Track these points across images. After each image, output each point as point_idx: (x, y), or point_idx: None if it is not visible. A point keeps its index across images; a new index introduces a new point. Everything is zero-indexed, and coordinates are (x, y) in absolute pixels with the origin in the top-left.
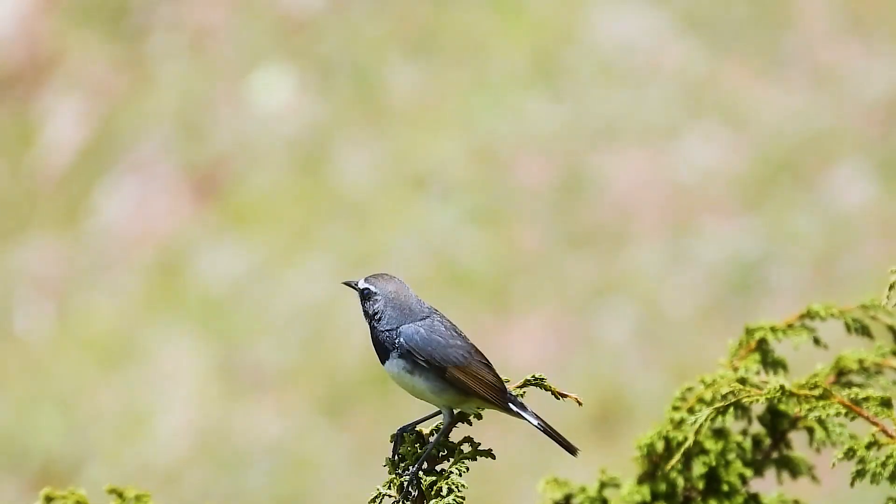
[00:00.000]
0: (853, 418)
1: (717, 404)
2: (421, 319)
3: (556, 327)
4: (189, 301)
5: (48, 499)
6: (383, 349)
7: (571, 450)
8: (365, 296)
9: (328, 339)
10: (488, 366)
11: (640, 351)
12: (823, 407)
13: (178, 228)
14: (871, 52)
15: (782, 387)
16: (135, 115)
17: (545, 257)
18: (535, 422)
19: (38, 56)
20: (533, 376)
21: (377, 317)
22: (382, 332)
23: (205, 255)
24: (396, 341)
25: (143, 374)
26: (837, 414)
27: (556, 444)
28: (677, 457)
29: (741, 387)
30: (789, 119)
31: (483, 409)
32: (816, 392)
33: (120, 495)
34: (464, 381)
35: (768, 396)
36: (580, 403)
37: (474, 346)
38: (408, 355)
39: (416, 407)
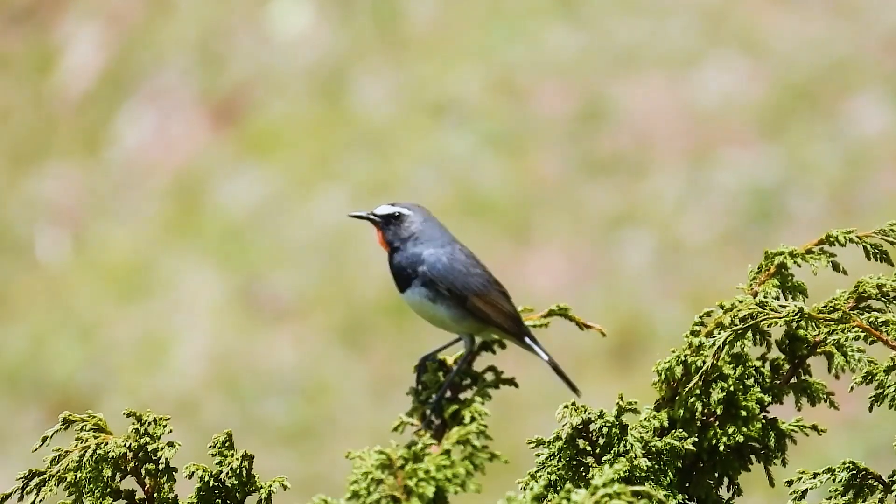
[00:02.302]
0: (872, 342)
1: (738, 326)
2: (441, 247)
3: (574, 256)
4: (207, 229)
5: (67, 422)
6: (404, 277)
7: (575, 390)
8: (396, 219)
9: (347, 267)
10: (506, 295)
11: (658, 279)
12: (842, 330)
13: (196, 156)
14: None
15: (801, 309)
16: (154, 43)
17: (564, 186)
18: (546, 357)
19: None
20: (557, 306)
21: (415, 237)
22: (404, 258)
23: (223, 183)
24: (419, 269)
25: (162, 302)
26: (857, 338)
27: (563, 381)
28: (696, 379)
29: (760, 310)
30: (807, 48)
31: (498, 339)
32: (835, 315)
33: (139, 419)
34: (483, 310)
35: (787, 319)
36: (604, 334)
37: (492, 275)
38: (430, 284)
39: (433, 337)
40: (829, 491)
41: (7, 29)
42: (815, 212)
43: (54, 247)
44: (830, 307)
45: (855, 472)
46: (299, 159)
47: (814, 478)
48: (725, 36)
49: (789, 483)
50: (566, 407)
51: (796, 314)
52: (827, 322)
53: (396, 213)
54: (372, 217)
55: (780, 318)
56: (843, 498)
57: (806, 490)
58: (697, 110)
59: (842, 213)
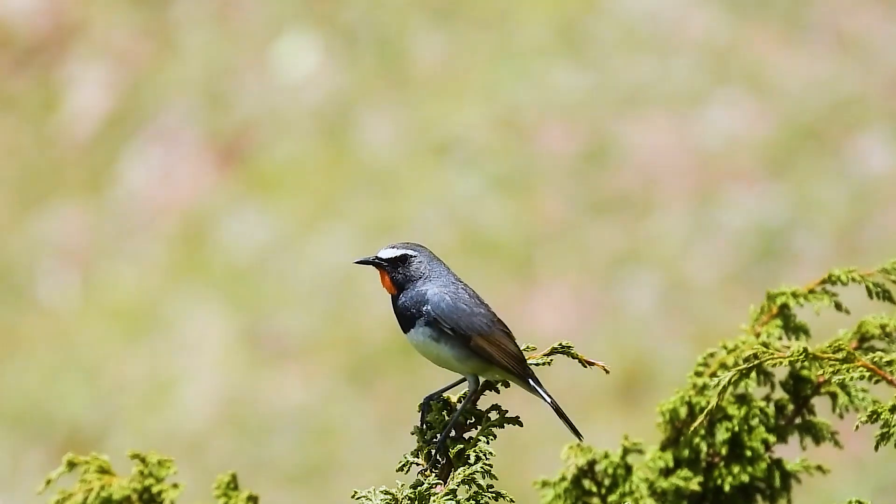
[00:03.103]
0: (876, 382)
1: (741, 366)
2: (445, 286)
3: (580, 295)
4: (213, 269)
5: (71, 464)
6: (408, 318)
7: (577, 434)
8: (403, 261)
9: (352, 307)
10: (509, 335)
11: (664, 318)
12: (847, 370)
13: (202, 196)
14: (895, 19)
15: (805, 349)
16: (159, 83)
17: (569, 225)
18: (549, 400)
19: (63, 24)
20: (560, 344)
21: (421, 277)
22: (408, 299)
23: (229, 223)
24: (423, 308)
25: (168, 342)
26: (861, 377)
27: (566, 425)
28: (701, 419)
29: (765, 349)
30: (813, 86)
31: (502, 379)
32: (840, 355)
33: (143, 460)
34: (487, 350)
35: (792, 359)
36: (607, 371)
37: (496, 315)
38: (434, 323)
39: (440, 376)
40: None
41: (13, 69)
42: (821, 251)
43: (60, 288)
44: (835, 346)
45: None
46: (305, 199)
47: None
48: (731, 75)
49: None
50: (571, 448)
51: (801, 354)
52: (832, 362)
53: (402, 256)
54: (378, 262)
55: (785, 358)
56: None
57: None
58: (703, 149)
59: (848, 251)
